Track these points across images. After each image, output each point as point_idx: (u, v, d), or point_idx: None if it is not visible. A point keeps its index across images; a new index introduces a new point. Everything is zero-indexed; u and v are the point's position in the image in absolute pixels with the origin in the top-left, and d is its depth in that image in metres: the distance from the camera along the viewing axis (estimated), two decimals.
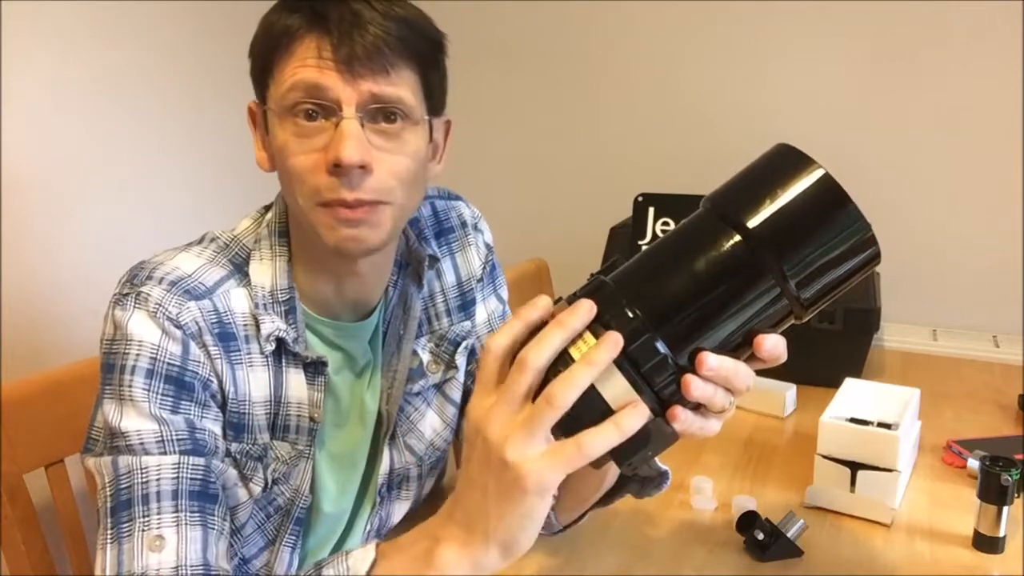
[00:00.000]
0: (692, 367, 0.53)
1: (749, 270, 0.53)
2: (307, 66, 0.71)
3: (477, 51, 2.02)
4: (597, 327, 0.53)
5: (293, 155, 0.72)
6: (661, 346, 0.52)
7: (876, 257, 0.54)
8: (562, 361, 0.52)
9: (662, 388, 0.52)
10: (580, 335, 0.53)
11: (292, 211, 0.79)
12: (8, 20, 1.32)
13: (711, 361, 0.52)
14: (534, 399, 0.52)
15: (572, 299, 0.55)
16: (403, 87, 0.73)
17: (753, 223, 0.53)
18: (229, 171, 1.73)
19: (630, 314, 0.52)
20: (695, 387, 0.52)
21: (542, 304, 0.55)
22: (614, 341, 0.51)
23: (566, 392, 0.51)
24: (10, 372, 1.32)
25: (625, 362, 0.52)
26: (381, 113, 0.73)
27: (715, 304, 0.53)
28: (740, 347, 0.55)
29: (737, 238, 0.53)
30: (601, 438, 0.51)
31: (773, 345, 0.54)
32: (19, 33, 1.34)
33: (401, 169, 0.74)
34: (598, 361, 0.51)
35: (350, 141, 0.70)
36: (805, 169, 0.53)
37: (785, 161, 0.55)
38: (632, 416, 0.51)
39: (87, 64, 1.47)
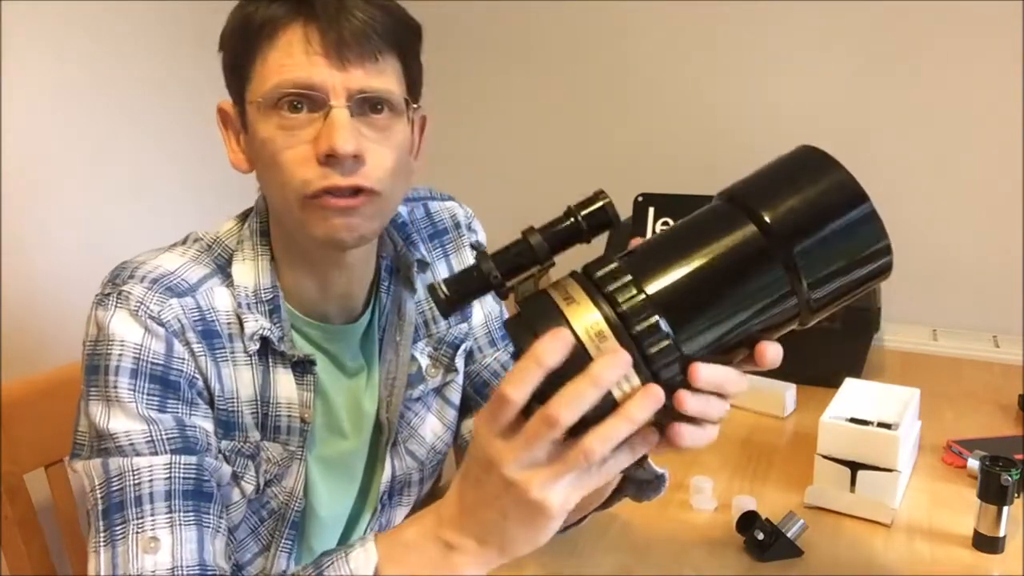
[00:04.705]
0: (693, 358, 0.52)
1: (763, 264, 0.52)
2: (293, 56, 0.69)
3: (477, 50, 2.02)
4: (599, 299, 0.51)
5: (280, 149, 0.70)
6: (664, 325, 0.51)
7: (888, 268, 0.54)
8: (582, 365, 0.50)
9: (661, 369, 0.51)
10: (599, 335, 0.51)
11: (274, 209, 0.78)
12: (7, 22, 1.32)
13: (703, 372, 0.51)
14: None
15: (577, 274, 0.54)
16: (389, 77, 0.72)
17: (772, 216, 0.52)
18: (228, 172, 1.73)
19: (632, 286, 0.51)
20: (689, 403, 0.51)
21: (561, 345, 0.50)
22: (655, 397, 0.50)
23: (604, 447, 0.50)
24: (10, 372, 1.32)
25: (625, 334, 0.51)
26: (368, 104, 0.71)
27: (724, 293, 0.52)
28: (738, 346, 0.54)
29: (755, 230, 0.52)
30: (623, 457, 0.53)
31: (775, 354, 0.54)
32: (18, 34, 1.34)
33: (389, 161, 0.73)
34: (638, 420, 0.50)
35: (343, 130, 0.68)
36: (829, 169, 0.53)
37: (809, 160, 0.54)
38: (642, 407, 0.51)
39: (86, 65, 1.47)
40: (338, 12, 0.68)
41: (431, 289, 0.55)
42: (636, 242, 0.58)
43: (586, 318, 0.51)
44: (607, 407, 0.51)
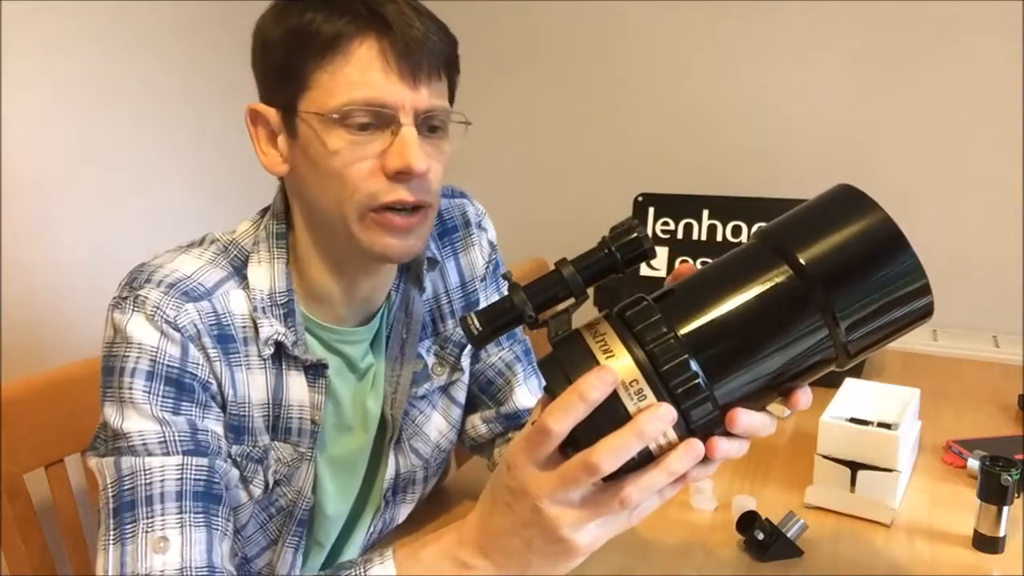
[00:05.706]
0: (726, 405, 0.51)
1: (798, 307, 0.51)
2: (366, 72, 0.70)
3: (478, 51, 2.01)
4: (636, 350, 0.51)
5: (348, 163, 0.72)
6: (703, 382, 0.50)
7: (929, 311, 0.53)
8: (618, 417, 0.50)
9: (697, 423, 0.51)
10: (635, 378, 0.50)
11: (323, 215, 0.76)
12: (7, 22, 1.32)
13: (742, 420, 0.52)
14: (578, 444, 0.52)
15: (613, 317, 0.53)
16: (444, 94, 0.75)
17: (808, 259, 0.51)
18: (229, 172, 1.73)
19: (672, 340, 0.50)
20: (721, 449, 0.52)
21: (606, 384, 0.50)
22: (696, 453, 0.51)
23: (642, 497, 0.52)
24: (10, 372, 1.32)
25: (663, 390, 0.50)
26: (427, 123, 0.74)
27: (761, 341, 0.52)
28: (772, 391, 0.54)
29: (791, 274, 0.51)
30: (652, 503, 0.54)
31: (807, 400, 0.55)
32: (18, 34, 1.34)
33: (441, 175, 0.76)
34: (677, 473, 0.51)
35: (417, 150, 0.71)
36: (866, 211, 0.52)
37: (846, 201, 0.53)
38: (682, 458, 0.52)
39: (87, 66, 1.47)
40: (406, 27, 0.70)
41: (463, 322, 0.56)
42: (681, 268, 0.57)
43: (623, 369, 0.50)
44: (641, 457, 0.51)
